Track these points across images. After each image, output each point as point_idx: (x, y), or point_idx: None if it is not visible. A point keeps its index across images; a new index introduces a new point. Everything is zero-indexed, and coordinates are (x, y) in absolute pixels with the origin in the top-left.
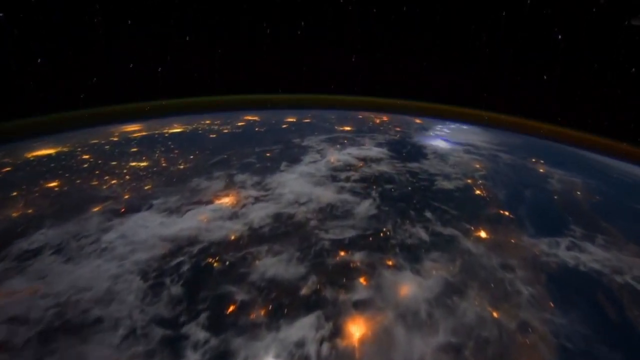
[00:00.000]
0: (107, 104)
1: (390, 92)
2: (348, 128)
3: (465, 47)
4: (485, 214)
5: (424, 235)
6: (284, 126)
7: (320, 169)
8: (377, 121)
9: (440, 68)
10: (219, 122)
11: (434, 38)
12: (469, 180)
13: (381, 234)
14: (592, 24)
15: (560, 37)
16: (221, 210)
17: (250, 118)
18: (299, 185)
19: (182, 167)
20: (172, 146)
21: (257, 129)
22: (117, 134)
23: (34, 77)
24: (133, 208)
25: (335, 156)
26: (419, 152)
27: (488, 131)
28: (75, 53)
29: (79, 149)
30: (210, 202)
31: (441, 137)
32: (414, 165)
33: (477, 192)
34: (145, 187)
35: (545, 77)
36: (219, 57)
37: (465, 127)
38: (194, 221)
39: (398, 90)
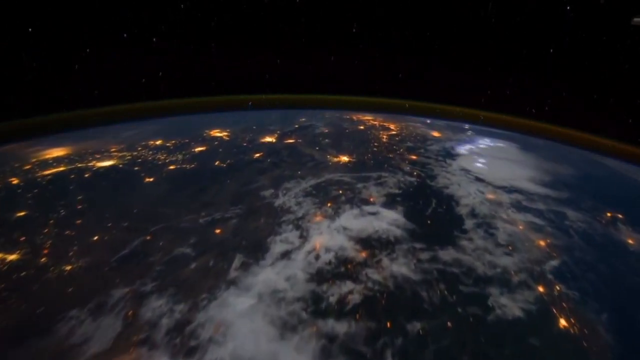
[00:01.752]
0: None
1: (397, 92)
2: (346, 158)
3: (471, 45)
4: None
5: None
6: (257, 155)
7: (295, 276)
8: (384, 138)
9: (448, 66)
10: (172, 144)
11: (438, 35)
12: (541, 288)
13: None
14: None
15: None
16: None
17: (217, 135)
18: (250, 336)
19: (68, 268)
20: (79, 207)
21: (216, 163)
22: (30, 163)
23: None
24: None
25: (323, 237)
26: (451, 217)
27: (523, 151)
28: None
29: None
30: None
31: (474, 174)
32: (448, 254)
33: (563, 322)
34: None
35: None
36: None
37: (492, 142)
38: None
39: (404, 90)
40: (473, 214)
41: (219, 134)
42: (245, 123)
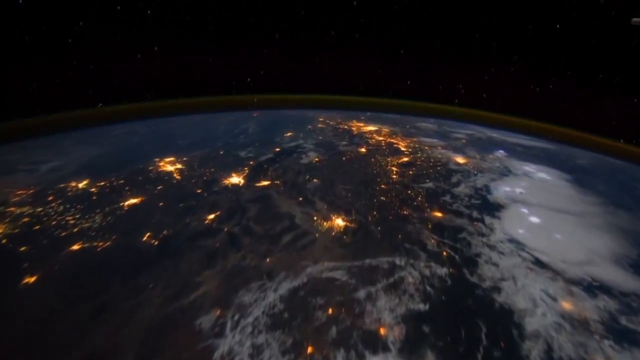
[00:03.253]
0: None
1: (402, 93)
2: (341, 222)
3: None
4: None
5: None
6: (209, 219)
7: None
8: (394, 171)
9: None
10: (98, 189)
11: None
12: None
13: None
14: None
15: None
16: None
17: (166, 169)
18: None
19: None
20: None
21: (145, 237)
22: None
23: None
24: None
25: None
26: None
27: (577, 186)
28: None
29: None
30: None
31: (531, 251)
32: None
33: None
34: None
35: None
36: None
37: (532, 170)
38: None
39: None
40: None
41: (169, 168)
42: (212, 142)
